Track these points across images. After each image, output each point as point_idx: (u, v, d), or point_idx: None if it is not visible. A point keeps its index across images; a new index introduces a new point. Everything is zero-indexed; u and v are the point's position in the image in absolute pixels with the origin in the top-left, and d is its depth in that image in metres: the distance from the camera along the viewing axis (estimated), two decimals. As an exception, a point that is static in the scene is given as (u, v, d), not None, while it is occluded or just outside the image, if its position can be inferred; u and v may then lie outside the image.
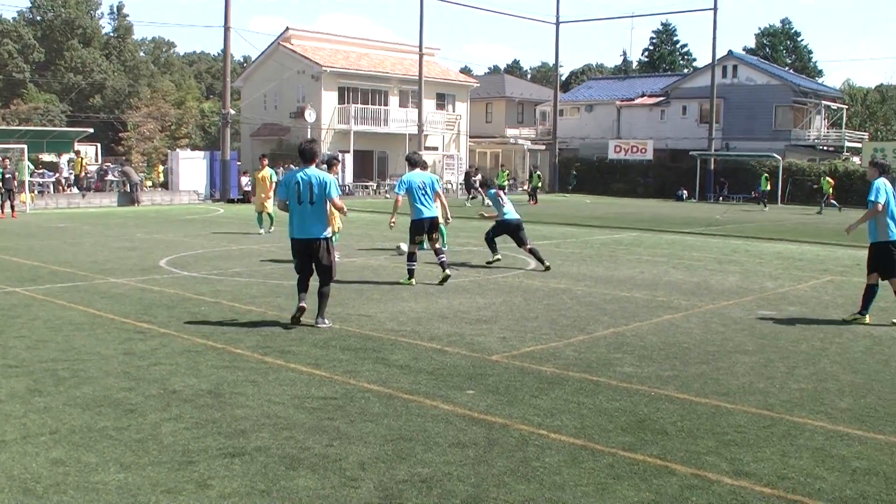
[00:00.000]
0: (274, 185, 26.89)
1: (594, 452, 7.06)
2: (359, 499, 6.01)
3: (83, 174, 46.16)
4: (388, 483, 6.30)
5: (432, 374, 9.54)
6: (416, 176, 16.28)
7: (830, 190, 48.63)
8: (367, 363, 10.02)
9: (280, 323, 12.33)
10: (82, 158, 47.43)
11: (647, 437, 7.48)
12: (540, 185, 53.31)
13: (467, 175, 50.57)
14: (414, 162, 16.79)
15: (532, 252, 19.30)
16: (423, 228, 16.25)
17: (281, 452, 6.91)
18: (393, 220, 16.47)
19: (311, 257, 12.07)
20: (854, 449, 7.26)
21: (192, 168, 48.57)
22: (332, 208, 12.46)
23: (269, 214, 27.53)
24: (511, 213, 19.49)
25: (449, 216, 17.76)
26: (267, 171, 27.82)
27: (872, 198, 13.14)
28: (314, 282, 12.34)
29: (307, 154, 12.15)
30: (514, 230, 19.42)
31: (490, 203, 19.90)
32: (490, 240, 19.75)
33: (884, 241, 13.23)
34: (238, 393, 8.64)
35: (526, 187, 53.12)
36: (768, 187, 49.52)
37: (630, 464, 6.81)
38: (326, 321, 12.16)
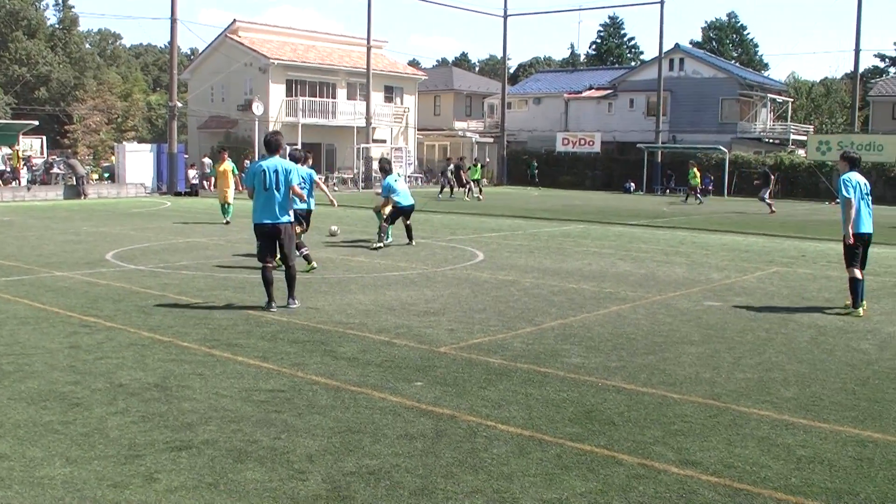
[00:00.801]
0: (236, 176, 28.82)
1: (542, 443, 7.09)
2: (307, 491, 6.00)
3: (20, 167, 45.47)
4: (335, 475, 6.30)
5: (380, 367, 9.54)
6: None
7: (697, 181, 49.05)
8: (315, 356, 10.00)
9: (229, 311, 12.28)
10: (18, 152, 46.73)
11: (595, 427, 7.52)
12: (478, 176, 53.20)
13: (457, 168, 50.33)
14: (295, 158, 17.47)
15: (407, 227, 21.87)
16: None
17: (228, 445, 6.88)
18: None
19: (274, 240, 12.81)
20: (799, 437, 7.34)
21: (138, 161, 48.15)
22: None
23: (229, 205, 28.39)
24: (405, 199, 21.50)
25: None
26: (228, 164, 28.75)
27: (845, 194, 13.33)
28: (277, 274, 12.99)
29: (273, 145, 12.89)
30: (407, 213, 21.70)
31: (382, 189, 21.68)
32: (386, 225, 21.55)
33: (858, 234, 13.40)
34: (185, 386, 8.59)
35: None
36: (697, 180, 49.67)
37: (578, 454, 6.84)
38: (296, 301, 13.05)
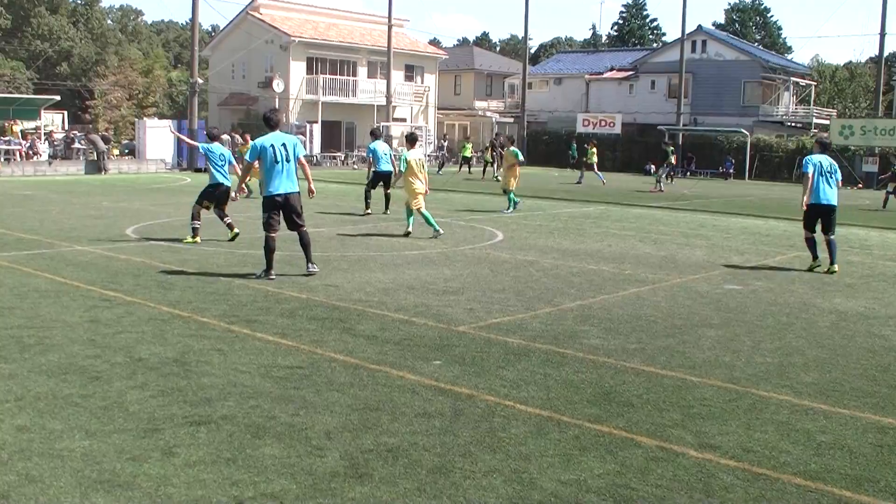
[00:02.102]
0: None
1: (560, 424, 7.08)
2: (324, 468, 6.01)
3: (17, 135, 45.48)
4: (353, 452, 6.30)
5: (399, 345, 9.54)
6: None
7: (595, 159, 48.22)
8: (333, 333, 10.01)
9: (248, 287, 12.29)
10: (11, 126, 46.67)
11: (613, 409, 7.50)
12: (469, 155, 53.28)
13: (492, 145, 50.16)
14: (212, 136, 18.48)
15: (387, 196, 24.18)
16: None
17: (247, 421, 6.89)
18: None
19: (286, 209, 13.38)
20: (819, 423, 7.31)
21: (159, 137, 48.17)
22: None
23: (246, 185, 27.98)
24: (384, 165, 23.81)
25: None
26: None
27: (804, 171, 16.12)
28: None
29: (273, 121, 13.61)
30: (385, 178, 23.87)
31: (370, 155, 23.83)
32: (367, 192, 24.22)
33: (813, 204, 15.91)
34: (204, 361, 8.61)
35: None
36: (673, 161, 49.18)
37: (596, 435, 6.83)
38: (315, 266, 13.76)
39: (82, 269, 13.94)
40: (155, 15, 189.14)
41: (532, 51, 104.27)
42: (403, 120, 64.86)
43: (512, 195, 26.62)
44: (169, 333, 9.78)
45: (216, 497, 5.51)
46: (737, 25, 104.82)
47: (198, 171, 46.53)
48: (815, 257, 16.17)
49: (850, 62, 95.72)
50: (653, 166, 60.85)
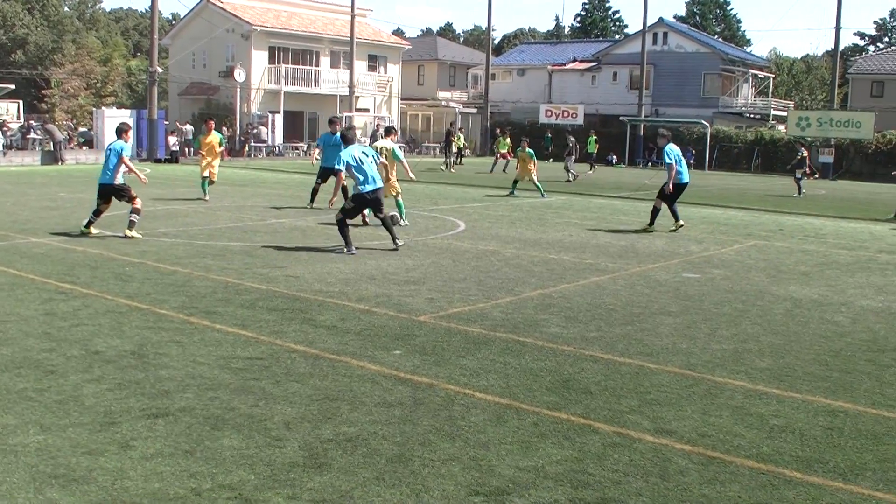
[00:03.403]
0: (223, 147, 27.22)
1: (519, 411, 7.11)
2: (283, 458, 6.01)
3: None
4: (313, 442, 6.31)
5: (360, 335, 9.54)
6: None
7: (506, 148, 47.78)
8: (293, 324, 10.00)
9: (208, 279, 12.24)
10: None
11: (572, 396, 7.55)
12: (461, 145, 53.07)
13: (448, 133, 49.87)
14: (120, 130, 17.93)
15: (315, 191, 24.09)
16: None
17: (205, 413, 6.88)
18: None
19: (373, 203, 15.91)
20: (772, 407, 7.40)
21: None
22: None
23: (211, 182, 25.66)
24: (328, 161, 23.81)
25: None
26: (216, 136, 26.05)
27: (668, 161, 19.88)
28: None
29: (349, 137, 16.14)
30: (327, 173, 23.50)
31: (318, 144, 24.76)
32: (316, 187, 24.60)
33: (676, 184, 20.01)
34: (162, 353, 8.57)
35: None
36: (595, 149, 49.28)
37: (554, 422, 6.87)
38: (400, 240, 16.19)
39: (38, 262, 13.82)
40: (114, 2, 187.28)
41: (496, 41, 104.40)
42: (367, 110, 64.71)
43: (540, 186, 30.83)
44: (126, 326, 9.72)
45: (173, 489, 5.50)
46: (697, 18, 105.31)
47: (157, 161, 46.30)
48: (651, 223, 20.52)
49: (807, 55, 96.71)
50: (614, 157, 61.35)
